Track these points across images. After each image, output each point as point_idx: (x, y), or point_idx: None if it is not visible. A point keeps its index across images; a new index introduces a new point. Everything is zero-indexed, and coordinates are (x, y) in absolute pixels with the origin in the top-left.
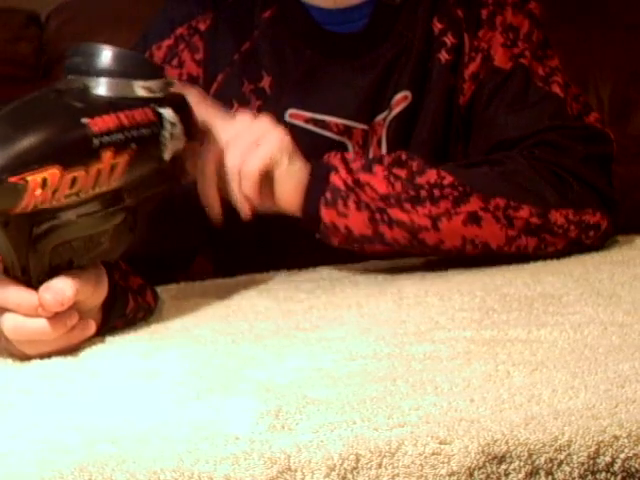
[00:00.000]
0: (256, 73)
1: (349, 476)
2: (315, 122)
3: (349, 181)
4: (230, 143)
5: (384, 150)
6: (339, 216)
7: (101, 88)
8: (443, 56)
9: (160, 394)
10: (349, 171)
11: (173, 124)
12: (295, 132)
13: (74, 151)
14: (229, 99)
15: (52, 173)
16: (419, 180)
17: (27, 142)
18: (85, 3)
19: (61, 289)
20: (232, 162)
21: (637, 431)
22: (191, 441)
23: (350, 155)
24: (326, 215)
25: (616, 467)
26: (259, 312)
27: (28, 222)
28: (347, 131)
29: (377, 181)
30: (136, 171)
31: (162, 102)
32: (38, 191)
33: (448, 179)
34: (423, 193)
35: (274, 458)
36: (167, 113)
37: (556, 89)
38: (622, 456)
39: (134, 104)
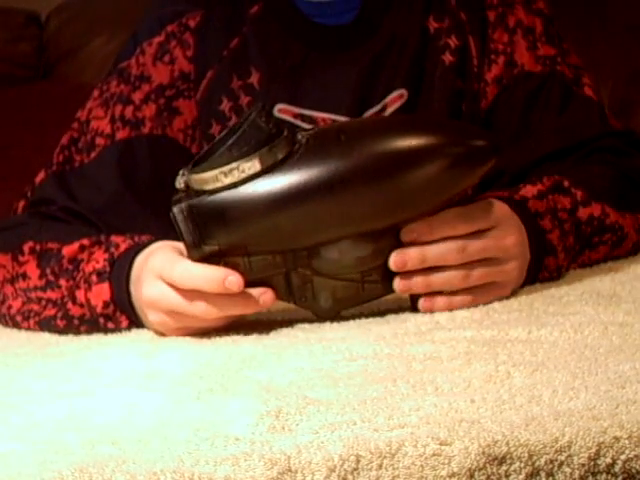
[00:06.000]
0: (245, 69)
1: (349, 477)
2: (303, 117)
3: None
4: None
5: None
6: None
7: None
8: (447, 58)
9: (160, 394)
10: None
11: None
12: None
13: None
14: (218, 96)
15: None
16: (582, 212)
17: None
18: (85, 3)
19: None
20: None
21: (638, 432)
22: (191, 442)
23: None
24: None
25: (617, 468)
26: (259, 312)
27: None
28: None
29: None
30: None
31: None
32: None
33: (611, 217)
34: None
35: (274, 459)
36: None
37: (589, 92)
38: (623, 457)
39: None
